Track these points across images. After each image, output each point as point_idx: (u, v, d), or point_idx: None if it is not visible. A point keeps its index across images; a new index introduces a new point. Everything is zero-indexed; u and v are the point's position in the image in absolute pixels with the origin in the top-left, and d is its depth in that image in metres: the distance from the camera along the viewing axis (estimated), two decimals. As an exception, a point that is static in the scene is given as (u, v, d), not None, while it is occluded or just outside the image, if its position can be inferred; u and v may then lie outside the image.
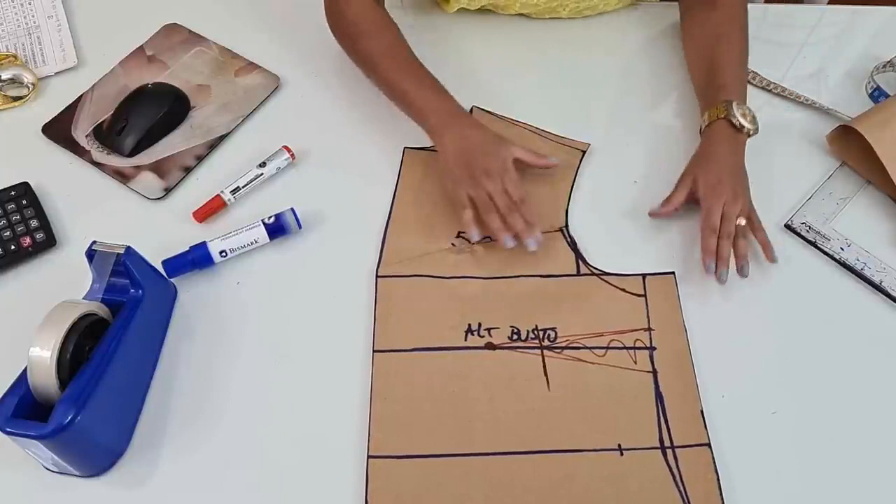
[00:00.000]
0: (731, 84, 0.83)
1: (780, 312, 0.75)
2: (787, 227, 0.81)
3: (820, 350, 0.73)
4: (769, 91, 0.92)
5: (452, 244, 0.79)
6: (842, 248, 0.79)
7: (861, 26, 1.01)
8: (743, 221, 0.77)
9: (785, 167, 0.86)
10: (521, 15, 0.97)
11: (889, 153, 0.80)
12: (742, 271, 0.76)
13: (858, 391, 0.71)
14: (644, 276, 0.77)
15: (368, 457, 0.65)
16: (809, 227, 0.80)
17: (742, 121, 0.80)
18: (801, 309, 0.76)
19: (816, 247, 0.79)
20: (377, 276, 0.76)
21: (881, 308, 0.76)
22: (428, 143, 0.84)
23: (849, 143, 0.84)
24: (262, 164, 0.82)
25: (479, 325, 0.73)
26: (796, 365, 0.72)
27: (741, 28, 0.88)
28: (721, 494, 0.64)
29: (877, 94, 0.91)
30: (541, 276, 0.76)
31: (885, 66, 0.92)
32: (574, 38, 0.97)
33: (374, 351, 0.71)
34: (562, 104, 0.91)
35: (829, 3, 1.08)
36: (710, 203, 0.77)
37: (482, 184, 0.76)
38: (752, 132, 0.81)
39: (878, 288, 0.77)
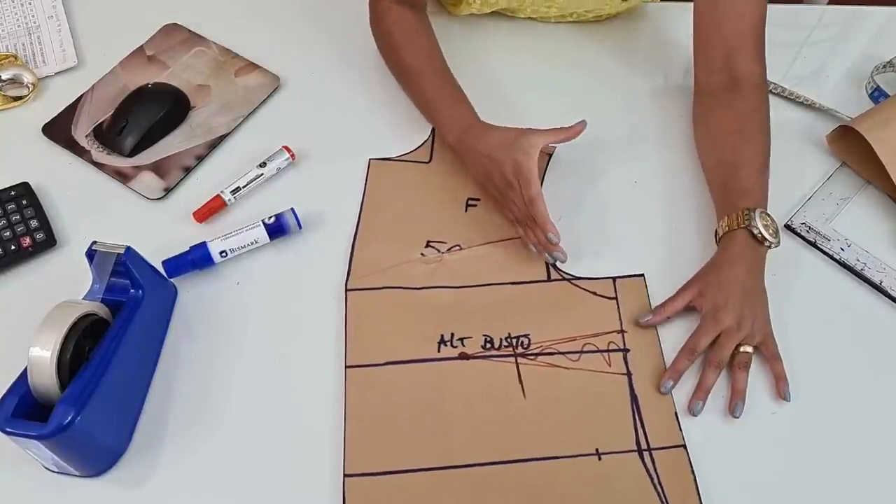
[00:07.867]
0: (753, 189, 0.75)
1: (779, 312, 0.75)
2: (787, 227, 0.81)
3: (819, 350, 0.73)
4: (769, 91, 0.92)
5: (422, 254, 0.78)
6: (842, 249, 0.79)
7: (861, 26, 1.01)
8: (749, 349, 0.70)
9: (785, 167, 0.85)
10: (529, 18, 0.97)
11: (889, 153, 0.80)
12: (735, 411, 0.68)
13: (858, 392, 0.71)
14: (615, 279, 0.76)
15: (345, 476, 0.64)
16: (809, 228, 0.80)
17: (764, 233, 0.72)
18: (800, 309, 0.76)
19: (816, 247, 0.79)
20: (346, 290, 0.75)
21: (881, 308, 0.76)
22: (393, 153, 0.84)
23: (849, 143, 0.84)
24: (262, 164, 0.82)
25: (452, 335, 0.72)
26: (796, 365, 0.72)
27: (764, 118, 0.80)
28: (699, 495, 0.64)
29: (877, 94, 0.91)
30: (511, 283, 0.76)
31: (885, 66, 0.92)
32: (580, 39, 0.97)
33: (346, 367, 0.70)
34: (564, 105, 0.90)
35: (829, 3, 1.08)
36: (706, 325, 0.71)
37: (507, 197, 0.75)
38: (773, 245, 0.73)
39: (878, 288, 0.77)
